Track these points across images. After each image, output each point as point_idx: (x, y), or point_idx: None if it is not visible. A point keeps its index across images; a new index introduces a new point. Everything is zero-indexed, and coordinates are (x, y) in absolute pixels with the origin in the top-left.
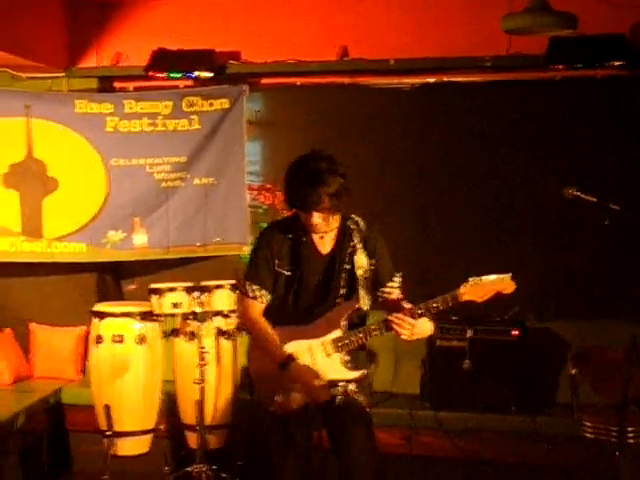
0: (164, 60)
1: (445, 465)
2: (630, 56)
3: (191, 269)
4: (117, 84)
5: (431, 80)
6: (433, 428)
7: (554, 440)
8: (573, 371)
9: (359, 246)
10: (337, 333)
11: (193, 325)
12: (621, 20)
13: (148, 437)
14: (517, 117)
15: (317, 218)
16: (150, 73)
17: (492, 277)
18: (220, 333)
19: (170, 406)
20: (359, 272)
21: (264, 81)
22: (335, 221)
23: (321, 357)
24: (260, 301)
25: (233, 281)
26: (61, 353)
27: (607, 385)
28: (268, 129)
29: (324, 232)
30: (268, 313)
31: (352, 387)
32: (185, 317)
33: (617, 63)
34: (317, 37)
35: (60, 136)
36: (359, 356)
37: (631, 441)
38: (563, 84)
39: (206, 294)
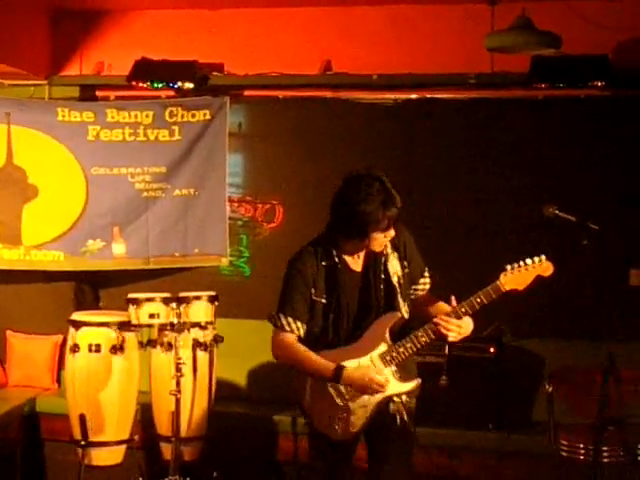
0: (147, 70)
1: None
2: (612, 77)
3: (169, 280)
4: (99, 93)
5: (414, 96)
6: None
7: (530, 458)
8: (550, 389)
9: (390, 251)
10: (383, 347)
11: (170, 336)
12: (604, 41)
13: (122, 447)
14: (500, 135)
15: (391, 232)
16: (132, 82)
17: (529, 261)
18: (197, 344)
19: (145, 417)
20: (394, 279)
21: (247, 93)
22: None
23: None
24: (296, 333)
25: (211, 292)
26: (37, 361)
27: (583, 404)
28: (250, 141)
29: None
30: (308, 344)
31: (405, 398)
32: (162, 328)
33: (599, 83)
34: (300, 50)
35: (41, 144)
36: (408, 366)
37: (606, 460)
38: (546, 103)
39: (184, 305)
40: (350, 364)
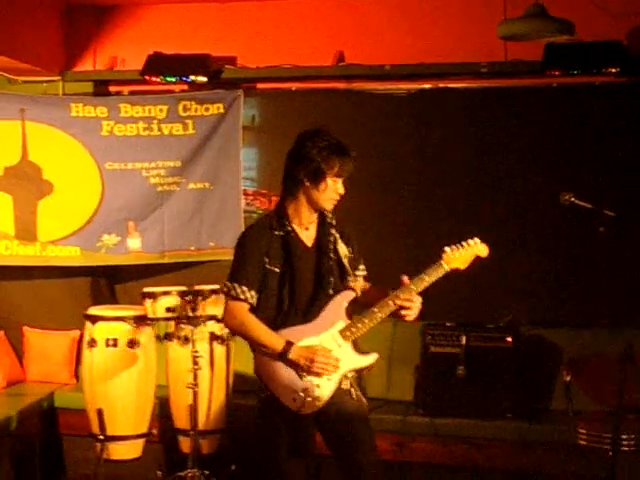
0: (160, 64)
1: (438, 472)
2: (627, 63)
3: (185, 273)
4: (112, 88)
5: (427, 86)
6: (427, 434)
7: (548, 447)
8: (568, 378)
9: (338, 235)
10: (341, 323)
11: (186, 329)
12: (618, 27)
13: (141, 441)
14: (514, 123)
15: (342, 187)
16: (146, 77)
17: (465, 243)
18: (214, 338)
19: (163, 410)
20: (345, 260)
21: (260, 86)
22: None
23: (335, 350)
24: (248, 302)
25: None
26: (54, 357)
27: (601, 392)
28: (263, 134)
29: (334, 204)
30: (264, 319)
31: (352, 374)
32: (179, 321)
33: (614, 70)
34: (313, 42)
35: (55, 139)
36: (359, 344)
37: (625, 449)
38: (560, 90)
39: (200, 298)
40: (308, 342)
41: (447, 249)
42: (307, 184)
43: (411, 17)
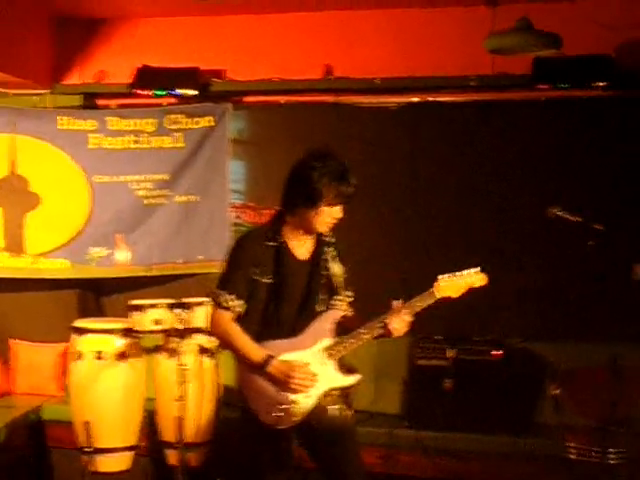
0: (149, 77)
1: None
2: (615, 77)
3: (173, 286)
4: (100, 101)
5: (416, 100)
6: (413, 448)
7: (536, 460)
8: (557, 391)
9: (334, 254)
10: (327, 342)
11: (174, 342)
12: (606, 40)
13: (129, 454)
14: (502, 137)
15: (340, 211)
16: (135, 91)
17: (463, 272)
18: (202, 350)
19: (149, 423)
20: (336, 279)
21: (248, 99)
22: None
23: (316, 367)
24: (233, 311)
25: None
26: (42, 369)
27: (589, 406)
28: (252, 147)
29: (330, 228)
30: (249, 330)
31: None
32: (167, 334)
33: (602, 84)
34: (302, 55)
35: (43, 152)
36: (346, 363)
37: (613, 462)
38: (548, 104)
39: (187, 311)
40: (289, 357)
41: (440, 277)
42: (302, 207)
43: (399, 31)
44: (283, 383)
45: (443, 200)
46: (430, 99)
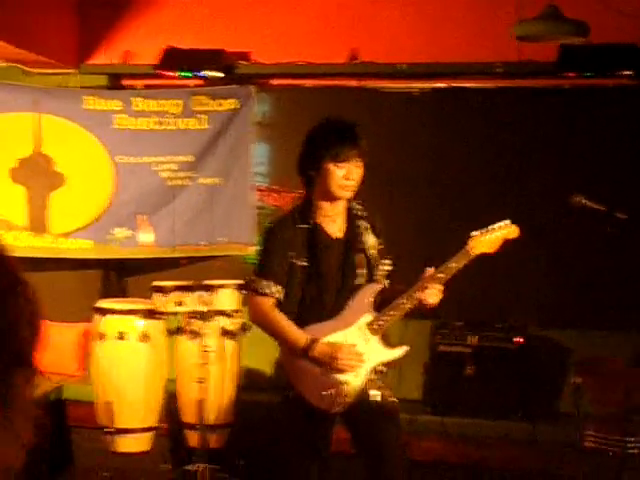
0: (174, 59)
1: (445, 471)
2: None
3: (196, 268)
4: (125, 82)
5: (441, 85)
6: (434, 433)
7: (555, 448)
8: (577, 380)
9: (367, 226)
10: (368, 317)
11: (197, 324)
12: (633, 29)
13: (149, 435)
14: (527, 124)
15: (356, 169)
16: (160, 72)
17: (494, 225)
18: (224, 333)
19: (170, 404)
20: (371, 252)
21: (273, 82)
22: (360, 178)
23: (361, 344)
24: (272, 297)
25: (238, 281)
26: (63, 349)
27: (609, 395)
28: (276, 130)
29: (352, 191)
30: (290, 315)
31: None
32: (189, 316)
33: (628, 72)
34: (327, 39)
35: (68, 132)
36: (388, 337)
37: (633, 451)
38: (573, 92)
39: (210, 293)
40: (332, 338)
41: (473, 233)
42: (312, 173)
43: (425, 16)
44: (330, 365)
45: (466, 186)
46: (455, 85)
